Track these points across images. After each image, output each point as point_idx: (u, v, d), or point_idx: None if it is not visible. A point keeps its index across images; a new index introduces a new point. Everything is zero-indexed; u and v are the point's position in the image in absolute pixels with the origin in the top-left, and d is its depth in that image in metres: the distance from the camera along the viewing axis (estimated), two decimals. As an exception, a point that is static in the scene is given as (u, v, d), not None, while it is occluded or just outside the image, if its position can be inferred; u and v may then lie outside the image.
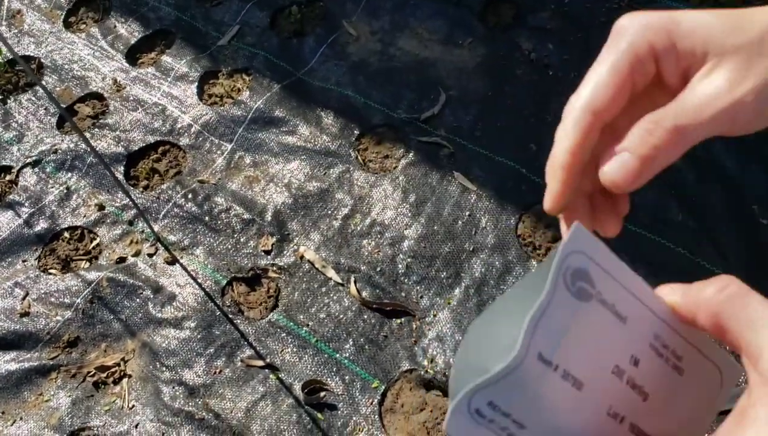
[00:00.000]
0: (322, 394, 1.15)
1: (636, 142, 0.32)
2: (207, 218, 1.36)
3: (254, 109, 1.51)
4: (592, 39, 1.45)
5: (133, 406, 1.17)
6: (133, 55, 1.69)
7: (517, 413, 0.24)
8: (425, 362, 1.16)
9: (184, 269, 1.29)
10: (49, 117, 1.59)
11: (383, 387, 1.14)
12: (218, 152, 1.47)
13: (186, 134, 1.50)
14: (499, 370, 0.24)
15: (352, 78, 1.53)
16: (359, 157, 1.43)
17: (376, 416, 1.12)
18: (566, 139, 0.34)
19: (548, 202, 0.34)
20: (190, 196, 1.40)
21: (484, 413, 0.24)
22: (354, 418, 1.12)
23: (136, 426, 1.14)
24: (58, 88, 1.63)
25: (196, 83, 1.57)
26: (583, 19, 1.50)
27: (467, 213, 1.32)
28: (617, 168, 0.33)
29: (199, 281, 1.28)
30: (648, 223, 1.26)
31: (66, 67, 1.68)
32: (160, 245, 1.34)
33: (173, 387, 1.18)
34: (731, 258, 1.20)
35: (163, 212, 1.39)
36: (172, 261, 1.31)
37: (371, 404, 1.13)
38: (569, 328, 0.25)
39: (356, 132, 1.45)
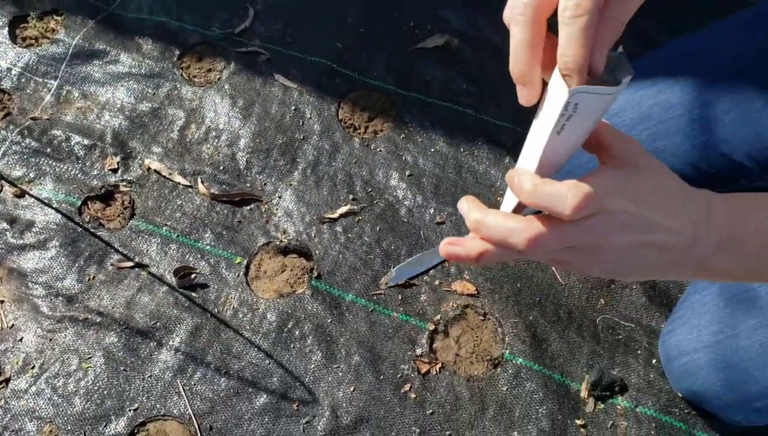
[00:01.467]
0: (193, 276, 1.29)
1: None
2: (48, 150, 1.43)
3: (73, 45, 1.57)
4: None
5: (13, 325, 1.24)
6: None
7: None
8: (279, 235, 1.34)
9: (35, 197, 1.36)
10: None
11: (246, 261, 1.31)
12: (45, 90, 1.52)
13: (7, 78, 1.53)
14: None
15: (164, 5, 1.63)
16: (184, 75, 1.55)
17: (244, 284, 1.29)
18: (522, 34, 0.48)
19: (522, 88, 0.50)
20: (26, 132, 1.45)
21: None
22: (225, 290, 1.28)
23: (21, 340, 1.22)
24: None
25: (6, 28, 1.59)
26: (364, -69, 1.71)
27: (293, 108, 1.50)
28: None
29: (55, 206, 1.36)
30: (440, 94, 1.51)
31: None
32: (4, 182, 1.39)
33: (50, 300, 1.26)
34: (505, 110, 1.49)
35: (0, 152, 1.43)
36: (21, 194, 1.37)
37: (238, 276, 1.30)
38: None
39: (177, 53, 1.57)
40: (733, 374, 1.02)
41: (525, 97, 0.50)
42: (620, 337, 1.24)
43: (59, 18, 1.62)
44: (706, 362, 1.05)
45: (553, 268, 1.30)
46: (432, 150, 1.44)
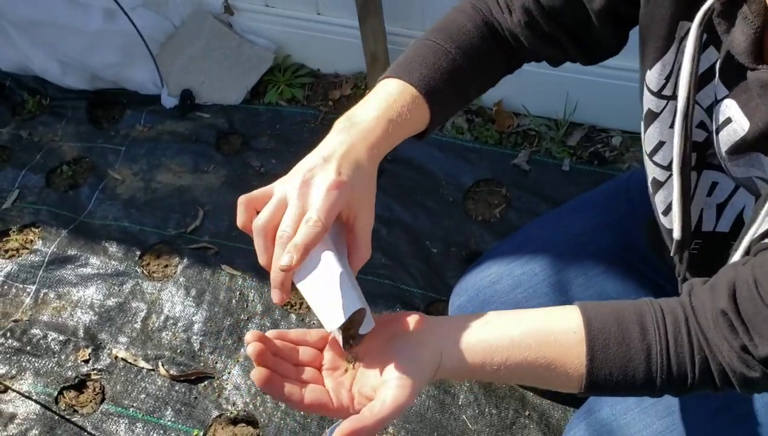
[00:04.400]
0: (156, 451, 1.51)
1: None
2: (28, 348, 1.67)
3: (49, 253, 1.85)
4: (299, 151, 2.01)
5: (-1, 510, 1.43)
6: None
7: None
8: (229, 407, 1.58)
9: (17, 392, 1.59)
10: None
11: (202, 433, 1.54)
12: (24, 294, 1.78)
13: (-9, 286, 1.79)
14: None
15: (126, 212, 1.94)
16: (144, 271, 1.83)
17: (201, 454, 1.51)
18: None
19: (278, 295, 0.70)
20: (8, 334, 1.69)
21: None
22: (184, 461, 1.50)
23: None
24: None
25: (-10, 243, 1.88)
26: (292, 137, 2.07)
27: (238, 293, 1.77)
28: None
29: (34, 398, 1.58)
30: (363, 268, 1.80)
31: None
32: (-10, 381, 1.61)
33: (32, 484, 1.46)
34: (419, 279, 1.78)
35: (-14, 354, 1.66)
36: (5, 389, 1.60)
37: (195, 447, 1.52)
38: None
39: (138, 252, 1.85)
40: (672, 422, 1.20)
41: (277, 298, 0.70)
42: (521, 471, 1.47)
43: (36, 230, 1.91)
44: (651, 415, 1.23)
45: (464, 416, 1.54)
46: (357, 320, 1.71)
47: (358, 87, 2.16)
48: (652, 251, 1.16)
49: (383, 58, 1.98)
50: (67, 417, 1.56)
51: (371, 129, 0.77)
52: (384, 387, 0.67)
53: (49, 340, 1.69)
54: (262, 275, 1.80)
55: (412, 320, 0.74)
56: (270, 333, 0.73)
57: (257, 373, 0.67)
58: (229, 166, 2.02)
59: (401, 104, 0.80)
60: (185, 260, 1.84)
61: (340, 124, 0.79)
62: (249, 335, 0.70)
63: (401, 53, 0.89)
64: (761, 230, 0.68)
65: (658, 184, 0.90)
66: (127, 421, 1.56)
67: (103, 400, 1.60)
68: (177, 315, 1.74)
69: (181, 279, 1.80)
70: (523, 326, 0.73)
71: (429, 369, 0.69)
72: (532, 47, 0.91)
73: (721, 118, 0.72)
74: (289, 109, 2.13)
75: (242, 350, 1.67)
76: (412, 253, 1.83)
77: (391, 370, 0.68)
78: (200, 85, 2.15)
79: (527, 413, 1.50)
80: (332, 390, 0.71)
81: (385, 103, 0.80)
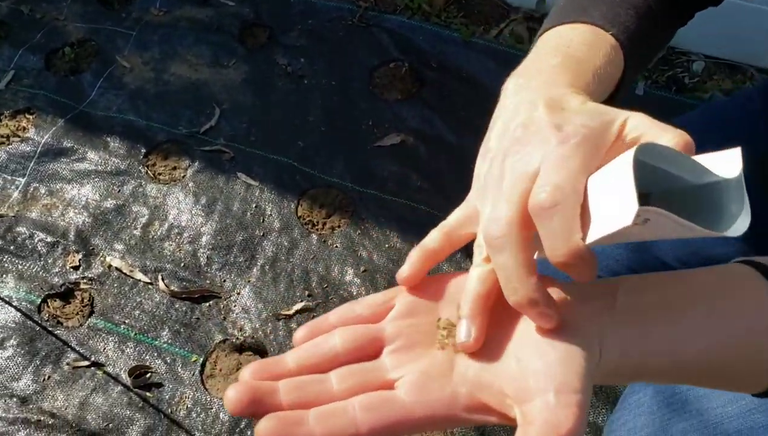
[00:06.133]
0: (148, 376, 1.31)
1: None
2: (12, 248, 1.46)
3: (42, 143, 1.62)
4: (333, 51, 1.76)
5: (-34, 426, 1.25)
6: None
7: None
8: (235, 332, 1.37)
9: (-4, 296, 1.39)
10: None
11: (201, 359, 1.34)
12: (12, 187, 1.56)
13: (-24, 176, 1.58)
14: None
15: (133, 104, 1.70)
16: (149, 172, 1.60)
17: (199, 383, 1.31)
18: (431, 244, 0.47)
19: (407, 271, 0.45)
20: (-10, 230, 1.48)
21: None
22: (179, 389, 1.30)
23: (-27, 442, 1.23)
24: None
25: (-22, 127, 1.65)
26: (326, 35, 1.80)
27: (254, 205, 1.55)
28: None
29: (15, 304, 1.38)
30: (397, 191, 1.57)
31: None
32: (-33, 280, 1.41)
33: (4, 401, 1.27)
34: (456, 206, 1.54)
35: (-36, 250, 1.46)
36: (-17, 292, 1.40)
37: (193, 375, 1.32)
38: None
39: (143, 150, 1.62)
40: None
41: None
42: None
43: (31, 116, 1.68)
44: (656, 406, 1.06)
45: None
46: (386, 245, 1.49)
47: (405, -17, 1.87)
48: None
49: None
50: (50, 329, 1.36)
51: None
52: (534, 404, 0.38)
53: (36, 241, 1.48)
54: (282, 187, 1.57)
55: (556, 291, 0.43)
56: (300, 333, 0.44)
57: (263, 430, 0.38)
58: (252, 61, 1.77)
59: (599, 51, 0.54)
60: (196, 164, 1.61)
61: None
62: (244, 372, 0.41)
63: None
64: None
65: None
66: (116, 339, 1.36)
67: (91, 313, 1.40)
68: (183, 224, 1.52)
69: (190, 184, 1.57)
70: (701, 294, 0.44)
71: (589, 370, 0.40)
72: None
73: None
74: (324, 3, 1.86)
75: (254, 269, 1.45)
76: (453, 177, 1.59)
77: (540, 374, 0.39)
78: (225, -32, 1.88)
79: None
80: (413, 383, 0.41)
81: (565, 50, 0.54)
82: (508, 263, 0.39)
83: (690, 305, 0.43)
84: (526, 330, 0.41)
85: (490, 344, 0.42)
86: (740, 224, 0.36)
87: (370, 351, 0.42)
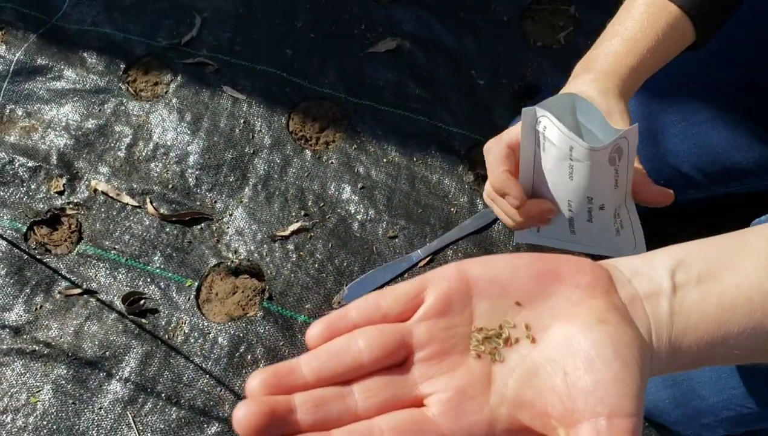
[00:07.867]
0: (142, 302, 1.28)
1: None
2: (-9, 174, 1.40)
3: (15, 61, 1.52)
4: (322, -52, 1.63)
5: (-40, 359, 1.22)
6: None
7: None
8: (230, 255, 1.32)
9: (-20, 225, 1.33)
10: None
11: (196, 283, 1.30)
12: (-14, 110, 1.48)
13: (-53, 98, 1.49)
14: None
15: (108, 16, 1.59)
16: (130, 89, 1.51)
17: (195, 308, 1.27)
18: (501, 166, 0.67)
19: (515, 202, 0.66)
20: (-33, 156, 1.41)
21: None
22: (175, 315, 1.27)
23: (-32, 375, 1.21)
24: None
25: (-55, 46, 1.55)
26: (312, -69, 1.66)
27: (242, 121, 1.47)
28: None
29: (0, 233, 1.33)
30: (393, 100, 1.48)
31: None
32: (-53, 209, 1.35)
33: (-3, 332, 1.24)
34: (460, 116, 1.46)
35: (-58, 178, 1.39)
36: (-35, 221, 1.34)
37: (188, 299, 1.28)
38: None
39: (122, 66, 1.53)
40: (679, 392, 1.02)
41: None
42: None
43: (0, 33, 1.57)
44: (654, 380, 1.05)
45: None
46: (384, 160, 1.42)
47: None
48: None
49: None
50: (38, 257, 1.31)
51: None
52: (582, 428, 0.33)
53: (17, 166, 1.41)
54: (271, 100, 1.49)
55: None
56: (315, 329, 0.38)
57: None
58: (234, -36, 1.64)
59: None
60: (179, 78, 1.51)
61: None
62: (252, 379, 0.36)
63: None
64: None
65: None
66: (107, 265, 1.31)
67: (80, 239, 1.35)
68: (169, 143, 1.44)
69: (173, 100, 1.49)
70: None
71: (644, 383, 0.36)
72: None
73: None
74: None
75: (246, 188, 1.39)
76: (453, 84, 1.50)
77: (590, 395, 0.34)
78: None
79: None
80: (459, 389, 0.36)
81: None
82: (490, 159, 0.69)
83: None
84: (572, 335, 0.36)
85: (532, 352, 0.37)
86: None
87: (397, 357, 0.37)
